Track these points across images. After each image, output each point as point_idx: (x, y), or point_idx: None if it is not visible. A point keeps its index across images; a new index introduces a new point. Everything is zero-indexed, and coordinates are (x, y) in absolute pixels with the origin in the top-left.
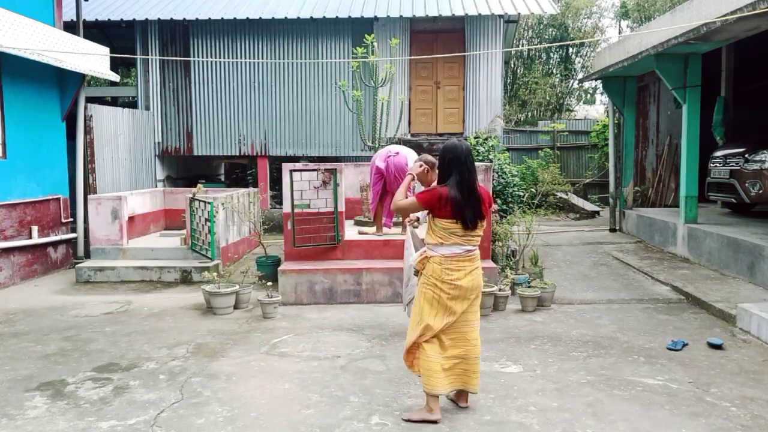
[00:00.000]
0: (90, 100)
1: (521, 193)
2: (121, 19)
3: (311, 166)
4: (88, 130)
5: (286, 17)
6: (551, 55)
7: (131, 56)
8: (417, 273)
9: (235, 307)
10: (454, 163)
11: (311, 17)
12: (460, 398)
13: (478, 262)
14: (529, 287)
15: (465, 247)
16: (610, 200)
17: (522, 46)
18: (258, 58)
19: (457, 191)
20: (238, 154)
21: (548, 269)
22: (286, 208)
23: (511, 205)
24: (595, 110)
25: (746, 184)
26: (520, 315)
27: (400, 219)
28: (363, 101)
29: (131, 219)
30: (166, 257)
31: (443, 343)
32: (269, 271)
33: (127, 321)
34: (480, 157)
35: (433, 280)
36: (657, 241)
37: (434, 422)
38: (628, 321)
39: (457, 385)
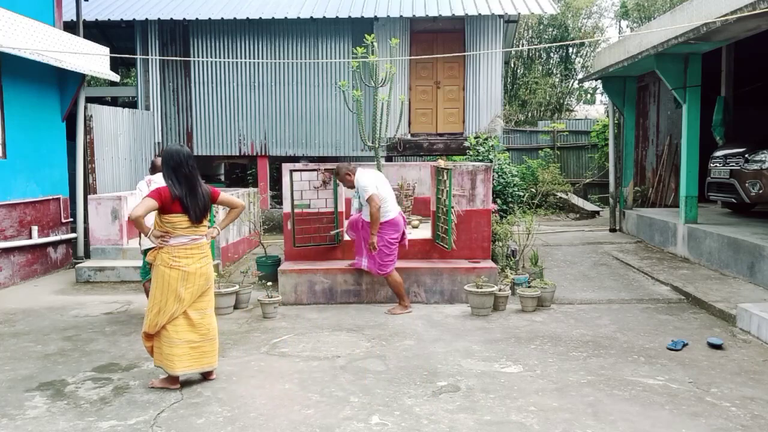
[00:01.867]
0: (90, 100)
1: (521, 193)
2: (121, 19)
3: (311, 166)
4: (88, 130)
5: (286, 17)
6: (551, 55)
7: (131, 56)
8: (150, 267)
9: (235, 307)
10: (178, 167)
11: (311, 17)
12: (208, 375)
13: (207, 251)
14: (529, 287)
15: (191, 236)
16: (610, 200)
17: (522, 46)
18: (258, 58)
19: (184, 190)
20: (238, 154)
21: (548, 269)
22: (286, 208)
23: (511, 205)
24: (595, 110)
25: (746, 184)
26: (520, 315)
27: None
28: (363, 101)
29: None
30: None
31: (177, 328)
32: (269, 271)
33: (127, 321)
34: (480, 157)
35: (163, 268)
36: (657, 241)
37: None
38: (628, 321)
39: (197, 368)
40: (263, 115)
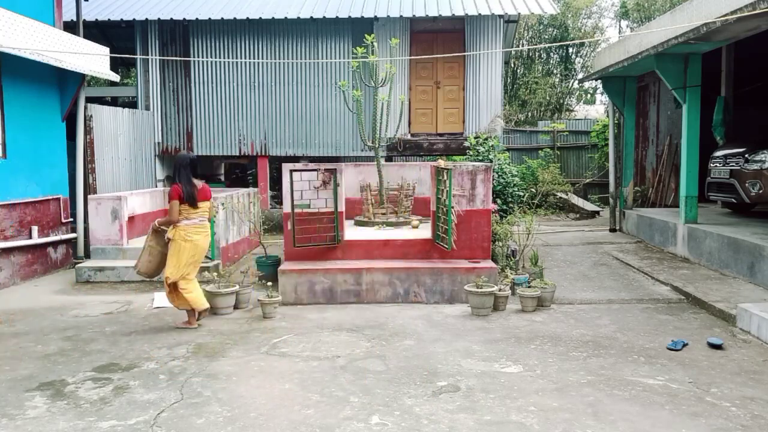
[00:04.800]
0: (90, 100)
1: (521, 193)
2: (121, 19)
3: (311, 166)
4: (88, 130)
5: (286, 17)
6: (551, 55)
7: (131, 56)
8: (168, 240)
9: (235, 307)
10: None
11: (311, 17)
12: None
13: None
14: (529, 287)
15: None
16: (610, 200)
17: (522, 46)
18: (258, 58)
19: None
20: (238, 154)
21: (548, 269)
22: (286, 208)
23: (511, 205)
24: (595, 110)
25: (746, 184)
26: (520, 315)
27: (400, 219)
28: (363, 101)
29: (131, 219)
30: None
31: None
32: (269, 271)
33: (127, 321)
34: (480, 157)
35: (180, 241)
36: (657, 241)
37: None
38: (628, 321)
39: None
40: (263, 115)
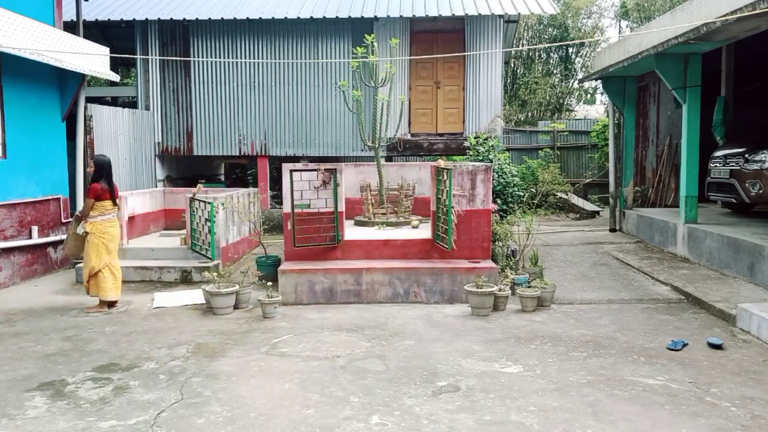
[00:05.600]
0: (90, 100)
1: (521, 193)
2: (121, 19)
3: (311, 166)
4: (88, 130)
5: (286, 17)
6: (551, 55)
7: (131, 56)
8: (86, 234)
9: (235, 307)
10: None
11: (311, 17)
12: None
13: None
14: (529, 287)
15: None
16: (610, 200)
17: (522, 46)
18: (258, 58)
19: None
20: (238, 154)
21: (548, 269)
22: (286, 208)
23: (511, 205)
24: (595, 110)
25: (746, 184)
26: (520, 315)
27: (400, 219)
28: (363, 101)
29: (131, 219)
30: (166, 257)
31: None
32: (269, 271)
33: (127, 321)
34: (480, 157)
35: (99, 234)
36: (657, 241)
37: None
38: (628, 321)
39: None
40: (263, 115)
